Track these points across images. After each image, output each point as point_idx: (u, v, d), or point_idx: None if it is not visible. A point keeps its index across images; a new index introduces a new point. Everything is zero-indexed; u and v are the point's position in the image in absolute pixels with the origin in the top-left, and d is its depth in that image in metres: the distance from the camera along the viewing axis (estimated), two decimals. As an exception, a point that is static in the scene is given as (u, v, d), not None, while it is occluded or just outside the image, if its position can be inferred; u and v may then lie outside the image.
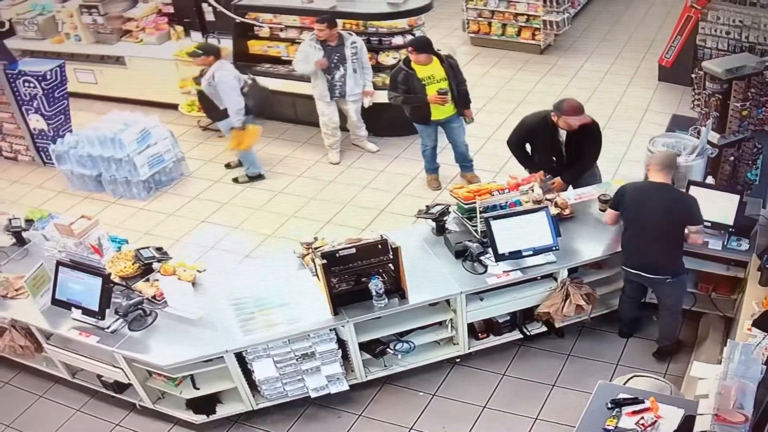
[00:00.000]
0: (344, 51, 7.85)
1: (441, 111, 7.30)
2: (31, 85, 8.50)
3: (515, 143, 6.45)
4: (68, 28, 10.11)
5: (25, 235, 6.17)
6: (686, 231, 5.11)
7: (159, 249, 5.74)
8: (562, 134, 6.07)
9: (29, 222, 6.29)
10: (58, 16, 10.16)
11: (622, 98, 9.28)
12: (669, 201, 5.07)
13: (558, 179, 6.21)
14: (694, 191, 5.40)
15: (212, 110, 8.12)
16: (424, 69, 7.18)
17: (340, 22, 8.31)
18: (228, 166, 8.64)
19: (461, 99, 7.38)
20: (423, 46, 7.16)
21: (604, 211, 5.85)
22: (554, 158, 6.24)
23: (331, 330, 5.18)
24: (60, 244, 5.77)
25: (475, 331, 5.69)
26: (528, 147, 6.46)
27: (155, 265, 5.63)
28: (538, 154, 6.40)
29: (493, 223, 5.31)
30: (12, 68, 8.54)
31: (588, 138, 6.12)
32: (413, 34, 8.61)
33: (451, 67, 7.24)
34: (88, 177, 8.27)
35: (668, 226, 5.08)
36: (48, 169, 8.90)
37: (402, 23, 8.54)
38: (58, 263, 5.31)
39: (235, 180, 8.39)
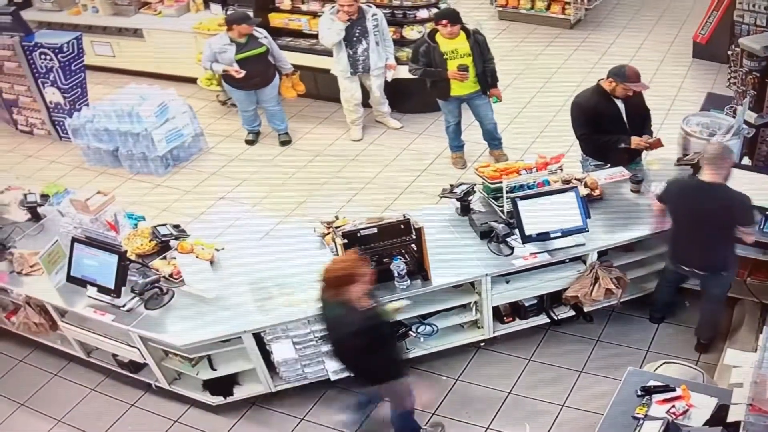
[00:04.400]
0: (366, 24, 7.71)
1: (461, 87, 7.14)
2: (48, 57, 8.43)
3: (590, 131, 5.91)
4: (86, 0, 10.02)
5: (40, 210, 6.12)
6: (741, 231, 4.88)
7: (176, 226, 5.67)
8: (621, 105, 5.83)
9: (44, 197, 6.25)
10: (75, -13, 10.12)
11: (654, 75, 9.04)
12: (721, 204, 4.76)
13: (656, 137, 5.91)
14: (729, 173, 5.22)
15: (267, 71, 8.05)
16: (447, 43, 7.00)
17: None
18: (249, 142, 8.54)
19: (487, 77, 7.18)
20: (456, 17, 6.98)
21: (636, 192, 5.73)
22: (619, 135, 5.89)
23: (351, 311, 5.06)
24: (75, 220, 5.73)
25: (500, 314, 5.58)
26: None
27: (172, 243, 5.55)
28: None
29: (520, 203, 5.18)
30: (28, 40, 8.48)
31: (641, 97, 5.95)
32: (438, 8, 8.43)
33: (477, 42, 7.05)
34: (104, 152, 8.21)
35: (721, 228, 4.86)
36: (64, 144, 8.87)
37: (427, -4, 8.37)
38: (74, 240, 5.24)
39: (284, 143, 8.58)
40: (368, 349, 4.17)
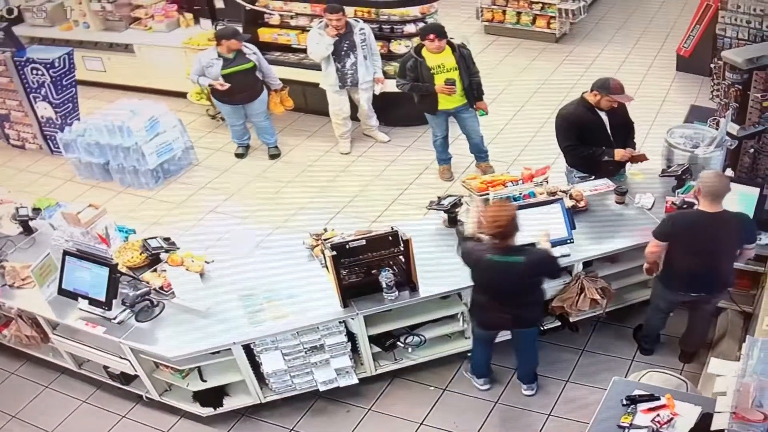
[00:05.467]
0: (353, 38, 7.76)
1: (449, 101, 7.17)
2: (39, 72, 8.47)
3: (575, 143, 5.92)
4: (77, 15, 10.11)
5: (32, 224, 6.12)
6: (744, 249, 4.97)
7: (167, 239, 5.68)
8: (605, 118, 5.88)
9: (36, 211, 6.24)
10: (66, 3, 10.17)
11: (639, 88, 9.10)
12: (732, 230, 4.82)
13: (641, 152, 5.96)
14: (712, 184, 5.26)
15: (254, 86, 8.12)
16: (434, 57, 7.04)
17: (351, 9, 8.23)
18: (238, 156, 8.58)
19: (473, 90, 7.23)
20: (443, 32, 7.02)
21: (620, 203, 5.76)
22: (603, 148, 5.92)
23: (340, 322, 5.11)
24: (67, 234, 5.74)
25: (487, 324, 5.59)
26: None
27: (163, 256, 5.57)
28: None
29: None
30: (20, 55, 8.51)
31: (625, 109, 5.98)
32: (425, 22, 8.50)
33: (462, 57, 7.10)
34: (95, 165, 8.24)
35: (731, 251, 4.94)
36: (55, 158, 8.88)
37: (414, 11, 8.44)
38: (65, 253, 5.26)
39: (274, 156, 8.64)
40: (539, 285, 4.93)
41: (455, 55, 7.07)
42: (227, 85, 7.80)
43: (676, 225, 4.94)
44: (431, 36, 6.96)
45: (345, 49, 7.80)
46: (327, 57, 7.80)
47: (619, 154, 5.85)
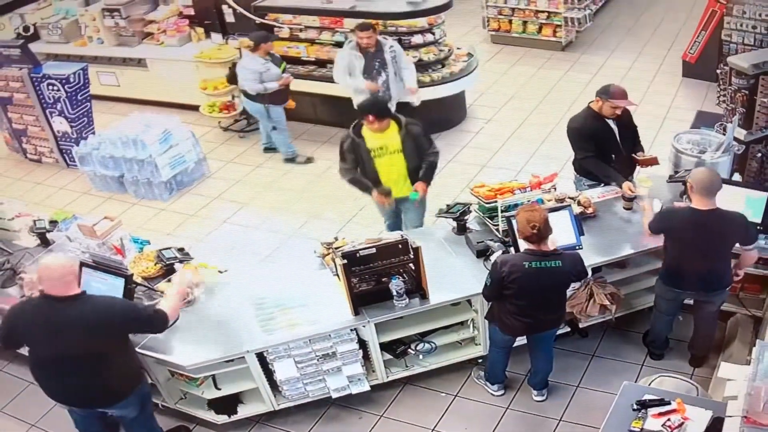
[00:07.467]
0: (384, 56, 7.65)
1: (395, 190, 6.11)
2: (55, 88, 8.61)
3: (593, 154, 5.89)
4: (91, 32, 10.27)
5: (49, 236, 6.20)
6: (744, 251, 5.01)
7: (181, 249, 5.74)
8: (614, 127, 5.89)
9: (53, 223, 6.32)
10: (81, 19, 10.32)
11: (645, 95, 9.16)
12: (726, 228, 4.85)
13: (653, 156, 5.96)
14: (720, 189, 5.29)
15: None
16: (376, 138, 5.94)
17: (357, 22, 8.28)
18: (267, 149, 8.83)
19: (420, 171, 6.09)
20: (383, 110, 5.97)
21: (628, 209, 5.79)
22: (613, 156, 5.95)
23: (351, 330, 5.16)
24: (83, 245, 5.81)
25: (497, 331, 5.63)
26: None
27: (177, 266, 5.62)
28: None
29: (515, 222, 5.22)
30: (36, 72, 8.66)
31: (629, 115, 6.01)
32: (433, 33, 8.56)
33: (410, 135, 5.97)
34: (110, 178, 8.35)
35: (727, 250, 4.98)
36: (71, 171, 9.00)
37: (422, 22, 8.52)
38: (82, 264, 5.30)
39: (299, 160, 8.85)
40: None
41: (401, 134, 5.97)
42: (292, 78, 8.11)
43: (666, 220, 5.02)
44: (369, 117, 5.85)
45: (377, 67, 7.67)
46: (358, 75, 7.61)
47: (626, 186, 5.80)
